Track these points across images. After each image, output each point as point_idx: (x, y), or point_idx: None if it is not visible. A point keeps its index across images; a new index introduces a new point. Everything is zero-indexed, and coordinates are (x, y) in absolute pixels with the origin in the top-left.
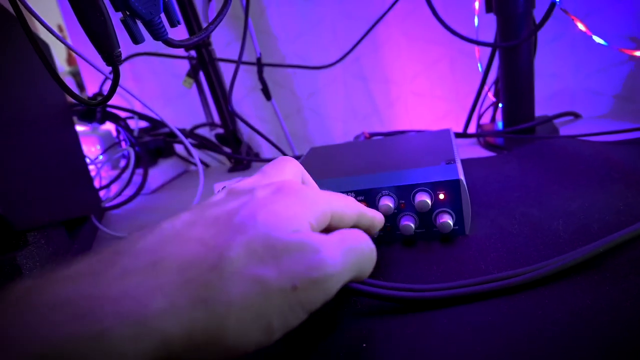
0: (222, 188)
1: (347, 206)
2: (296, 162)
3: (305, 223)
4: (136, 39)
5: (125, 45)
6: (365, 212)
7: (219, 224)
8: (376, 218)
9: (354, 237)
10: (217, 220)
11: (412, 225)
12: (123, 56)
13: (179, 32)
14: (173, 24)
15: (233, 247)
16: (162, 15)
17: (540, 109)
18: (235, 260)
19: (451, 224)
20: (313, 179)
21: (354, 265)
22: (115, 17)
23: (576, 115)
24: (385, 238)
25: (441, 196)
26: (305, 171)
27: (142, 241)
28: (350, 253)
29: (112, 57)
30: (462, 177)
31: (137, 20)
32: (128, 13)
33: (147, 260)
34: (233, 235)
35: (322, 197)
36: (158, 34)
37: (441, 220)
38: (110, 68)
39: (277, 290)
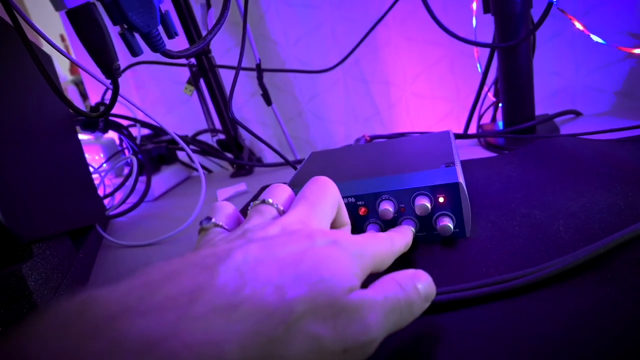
0: (261, 202)
1: (388, 255)
2: (334, 187)
3: (357, 280)
4: (134, 51)
5: (126, 53)
6: (399, 247)
7: (286, 267)
8: (408, 242)
9: (393, 289)
10: (285, 263)
11: (413, 229)
12: (124, 64)
13: (180, 39)
14: (170, 35)
15: (302, 301)
16: (160, 28)
17: (541, 108)
18: (301, 317)
19: (451, 227)
20: None
21: (392, 324)
22: (114, 31)
23: (577, 114)
24: None
25: (441, 199)
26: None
27: (221, 277)
28: (390, 312)
29: (110, 70)
30: (461, 180)
31: (135, 33)
32: (126, 26)
33: (227, 301)
34: (302, 287)
35: (368, 249)
36: (156, 46)
37: (441, 224)
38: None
39: (330, 352)
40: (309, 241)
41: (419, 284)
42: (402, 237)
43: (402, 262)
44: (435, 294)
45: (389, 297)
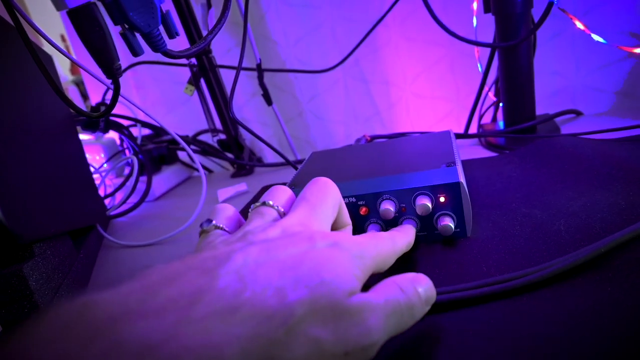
0: (262, 204)
1: (390, 254)
2: (335, 187)
3: (357, 282)
4: (135, 51)
5: (127, 53)
6: (401, 246)
7: (287, 270)
8: (410, 241)
9: (394, 293)
10: (285, 266)
11: (414, 229)
12: (125, 64)
13: (180, 40)
14: (171, 35)
15: (302, 304)
16: (161, 27)
17: (542, 107)
18: (302, 319)
19: (452, 226)
20: None
21: (393, 327)
22: (115, 31)
23: (577, 113)
24: None
25: (442, 199)
26: (340, 196)
27: (222, 280)
28: (391, 316)
29: (111, 70)
30: (462, 179)
31: (135, 33)
32: (127, 26)
33: (227, 304)
34: (302, 289)
35: (369, 250)
36: (157, 46)
37: (442, 223)
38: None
39: (331, 355)
40: (310, 243)
41: (420, 287)
42: (404, 236)
43: (403, 262)
44: (435, 297)
45: (389, 300)
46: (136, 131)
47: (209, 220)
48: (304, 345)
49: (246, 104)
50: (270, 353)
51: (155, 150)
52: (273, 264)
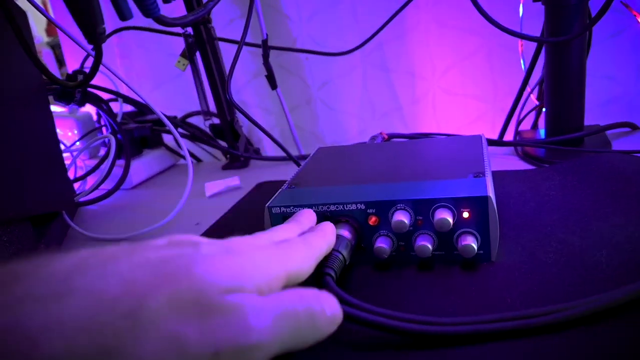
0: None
1: (305, 260)
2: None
3: (249, 286)
4: (124, 14)
5: (113, 15)
6: (319, 250)
7: (147, 266)
8: (330, 242)
9: (292, 300)
10: (147, 263)
11: (430, 247)
12: (110, 28)
13: (175, 5)
14: None
15: (156, 296)
16: None
17: (592, 117)
18: (154, 311)
19: (475, 247)
20: (318, 185)
21: (288, 335)
22: None
23: (633, 127)
24: (398, 259)
25: (465, 215)
26: None
27: (53, 265)
28: (284, 320)
29: (94, 34)
30: (491, 194)
31: None
32: None
33: (51, 288)
34: (160, 283)
35: (276, 258)
36: (149, 10)
37: (463, 243)
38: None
39: (196, 354)
40: (191, 247)
41: (324, 302)
42: (321, 238)
43: (413, 286)
44: (341, 316)
45: (283, 304)
46: (117, 107)
47: None
48: (158, 340)
49: (246, 86)
50: (108, 346)
51: (137, 131)
52: (129, 260)
